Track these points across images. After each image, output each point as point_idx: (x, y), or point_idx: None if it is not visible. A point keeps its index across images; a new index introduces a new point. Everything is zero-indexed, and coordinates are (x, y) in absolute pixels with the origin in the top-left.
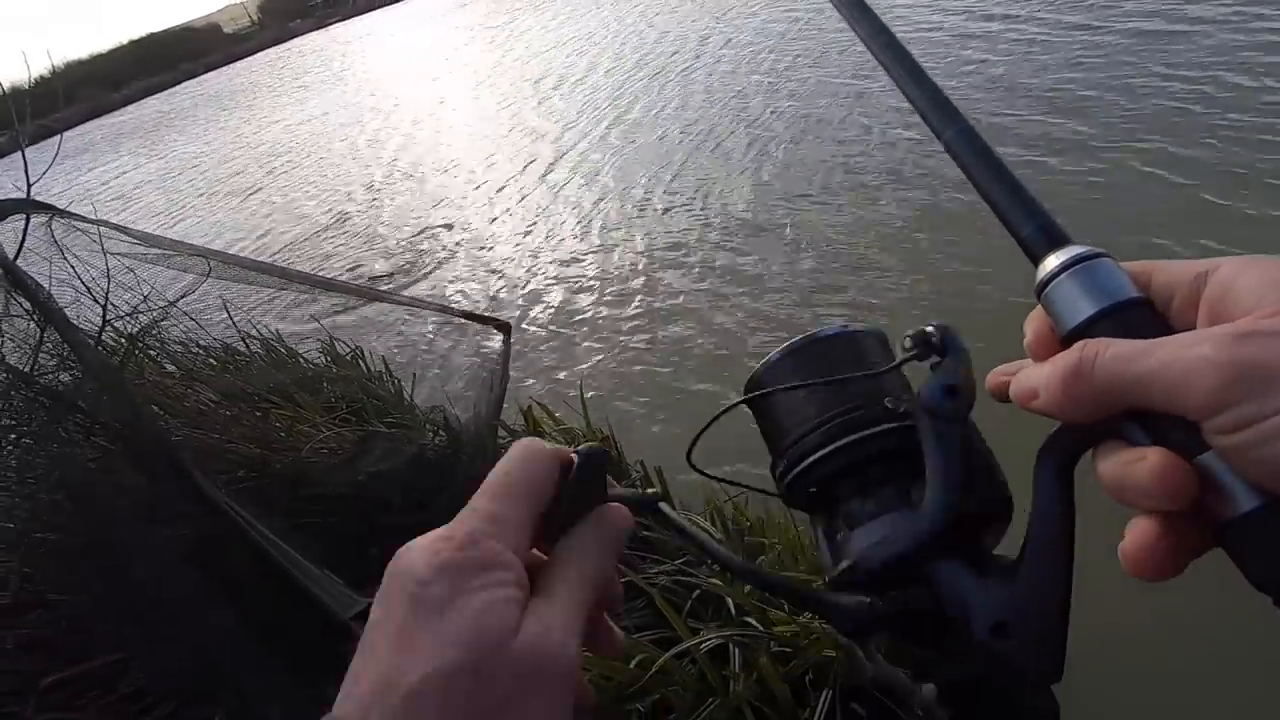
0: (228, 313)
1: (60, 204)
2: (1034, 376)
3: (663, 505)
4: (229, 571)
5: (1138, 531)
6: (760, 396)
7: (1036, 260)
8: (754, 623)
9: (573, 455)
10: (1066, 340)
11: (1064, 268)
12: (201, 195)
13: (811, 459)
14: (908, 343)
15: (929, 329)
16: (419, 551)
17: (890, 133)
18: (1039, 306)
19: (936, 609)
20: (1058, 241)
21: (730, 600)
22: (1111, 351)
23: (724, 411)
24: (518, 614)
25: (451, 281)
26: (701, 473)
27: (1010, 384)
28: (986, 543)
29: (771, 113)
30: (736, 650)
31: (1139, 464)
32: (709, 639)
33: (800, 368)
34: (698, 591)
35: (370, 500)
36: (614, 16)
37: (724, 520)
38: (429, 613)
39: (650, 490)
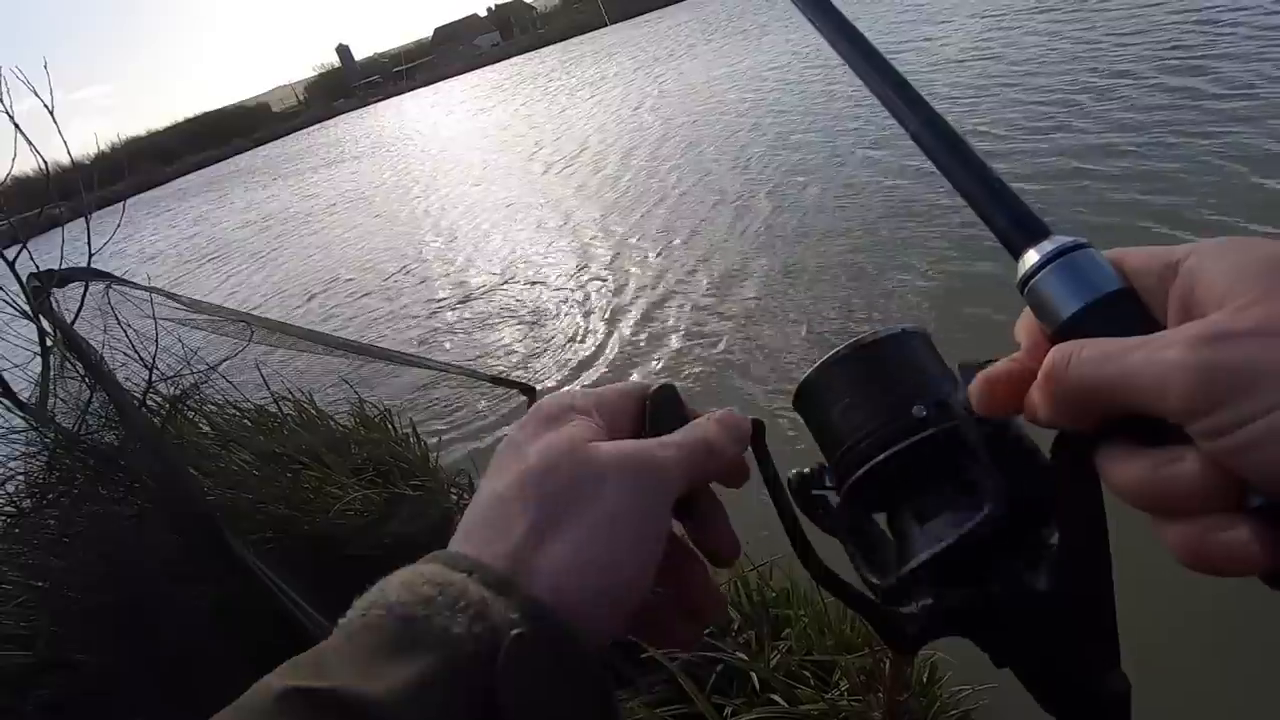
0: (261, 376)
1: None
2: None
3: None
4: (251, 632)
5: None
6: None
7: (1016, 255)
8: (780, 700)
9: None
10: (1055, 340)
11: (1044, 262)
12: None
13: (865, 467)
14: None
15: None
16: None
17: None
18: (1027, 309)
19: (989, 607)
20: (1036, 234)
21: (756, 676)
22: (1086, 353)
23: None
24: (592, 433)
25: (480, 346)
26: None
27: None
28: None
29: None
30: None
31: (1175, 465)
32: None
33: (852, 374)
34: (721, 666)
35: (394, 564)
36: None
37: (748, 590)
38: (516, 449)
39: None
